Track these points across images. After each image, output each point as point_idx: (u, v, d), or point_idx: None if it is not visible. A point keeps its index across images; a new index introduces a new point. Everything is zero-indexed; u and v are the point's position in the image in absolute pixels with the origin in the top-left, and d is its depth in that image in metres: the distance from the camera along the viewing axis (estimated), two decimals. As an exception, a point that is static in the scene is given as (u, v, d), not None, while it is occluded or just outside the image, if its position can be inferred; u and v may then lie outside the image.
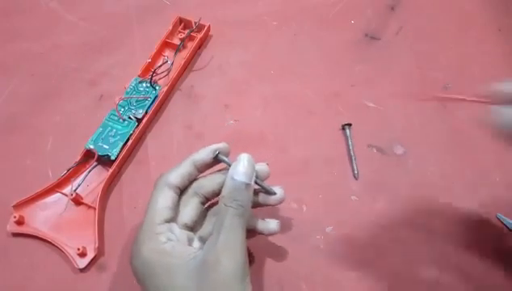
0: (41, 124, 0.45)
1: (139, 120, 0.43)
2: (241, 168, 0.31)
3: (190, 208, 0.33)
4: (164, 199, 0.31)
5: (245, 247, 0.30)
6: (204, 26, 0.48)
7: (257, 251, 0.38)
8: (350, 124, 0.43)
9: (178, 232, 0.31)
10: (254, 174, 0.32)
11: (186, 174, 0.33)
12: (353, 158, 0.42)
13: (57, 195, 0.40)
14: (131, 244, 0.38)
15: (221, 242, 0.28)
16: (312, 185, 0.41)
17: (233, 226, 0.29)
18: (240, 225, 0.29)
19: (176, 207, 0.32)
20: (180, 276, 0.28)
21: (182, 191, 0.33)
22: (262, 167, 0.33)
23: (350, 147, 0.42)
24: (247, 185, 0.31)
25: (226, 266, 0.28)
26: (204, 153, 0.33)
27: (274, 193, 0.34)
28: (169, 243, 0.30)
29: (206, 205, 0.35)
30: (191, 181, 0.34)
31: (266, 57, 0.49)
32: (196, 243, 0.33)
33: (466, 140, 0.43)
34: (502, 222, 0.38)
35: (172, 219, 0.32)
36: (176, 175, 0.32)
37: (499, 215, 0.39)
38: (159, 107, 0.45)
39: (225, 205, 0.30)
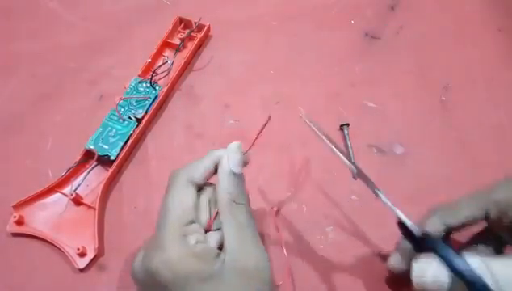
0: (41, 124, 0.45)
1: (139, 120, 0.43)
2: (235, 160, 0.29)
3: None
4: (189, 197, 0.29)
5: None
6: (204, 26, 0.48)
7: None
8: (347, 124, 0.43)
9: (203, 233, 0.29)
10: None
11: (209, 171, 0.30)
12: (352, 157, 0.42)
13: (57, 195, 0.40)
14: (131, 245, 0.38)
15: (247, 242, 0.27)
16: (312, 185, 0.41)
17: (250, 222, 0.28)
18: (248, 219, 0.28)
19: (197, 206, 0.30)
20: (222, 283, 0.26)
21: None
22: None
23: (349, 147, 0.42)
24: (240, 175, 0.29)
25: (263, 269, 0.27)
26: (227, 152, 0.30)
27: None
28: (199, 246, 0.27)
29: None
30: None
31: (266, 57, 0.49)
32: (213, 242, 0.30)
33: (466, 140, 0.43)
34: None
35: (194, 219, 0.29)
36: (201, 172, 0.30)
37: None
38: (159, 107, 0.45)
39: (236, 203, 0.28)
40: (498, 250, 0.31)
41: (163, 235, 0.27)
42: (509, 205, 0.28)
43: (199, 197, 0.30)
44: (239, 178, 0.29)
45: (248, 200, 0.29)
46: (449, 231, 0.31)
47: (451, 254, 0.24)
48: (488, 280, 0.23)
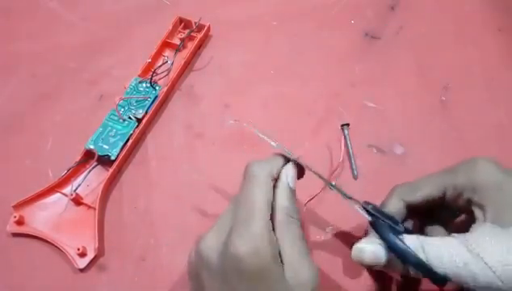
0: (41, 124, 0.45)
1: (139, 120, 0.43)
2: (292, 175, 0.30)
3: None
4: (270, 192, 0.28)
5: None
6: (204, 26, 0.48)
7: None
8: (347, 124, 0.43)
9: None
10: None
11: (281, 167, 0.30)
12: (352, 158, 0.42)
13: (57, 195, 0.40)
14: (131, 245, 0.39)
15: (302, 256, 0.27)
16: (312, 185, 0.41)
17: (303, 237, 0.28)
18: (302, 235, 0.28)
19: None
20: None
21: None
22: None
23: (349, 147, 0.42)
24: (294, 191, 0.30)
25: (314, 282, 0.27)
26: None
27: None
28: (277, 246, 0.27)
29: None
30: None
31: (266, 57, 0.49)
32: None
33: (466, 140, 0.43)
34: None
35: None
36: (278, 170, 0.29)
37: None
38: (159, 107, 0.45)
39: (291, 217, 0.28)
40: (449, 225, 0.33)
41: (255, 223, 0.26)
42: (464, 188, 0.30)
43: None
44: (293, 193, 0.29)
45: (300, 216, 0.29)
46: (409, 209, 0.32)
47: (389, 234, 0.28)
48: (420, 254, 0.26)
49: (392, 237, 0.27)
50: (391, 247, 0.27)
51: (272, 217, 0.27)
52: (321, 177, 0.31)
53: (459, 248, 0.26)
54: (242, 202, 0.28)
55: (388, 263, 0.28)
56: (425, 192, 0.32)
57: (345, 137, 0.43)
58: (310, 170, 0.31)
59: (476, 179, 0.29)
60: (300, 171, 0.31)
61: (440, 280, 0.26)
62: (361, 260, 0.29)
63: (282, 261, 0.27)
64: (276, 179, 0.29)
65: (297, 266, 0.27)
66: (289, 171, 0.30)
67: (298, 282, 0.26)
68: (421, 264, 0.26)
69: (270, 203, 0.28)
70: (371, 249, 0.28)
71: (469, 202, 0.29)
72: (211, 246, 0.27)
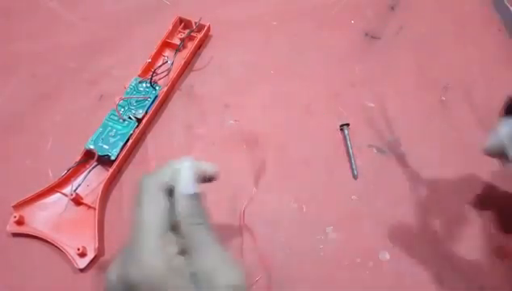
0: (41, 124, 0.45)
1: (139, 120, 0.43)
2: (186, 180, 0.27)
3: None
4: (162, 205, 0.27)
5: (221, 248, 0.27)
6: (204, 26, 0.48)
7: (256, 251, 0.38)
8: (347, 124, 0.43)
9: (176, 242, 0.27)
10: (199, 176, 0.28)
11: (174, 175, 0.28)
12: (351, 158, 0.42)
13: (57, 195, 0.40)
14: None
15: (215, 261, 0.26)
16: (312, 185, 0.41)
17: (214, 240, 0.27)
18: (212, 237, 0.27)
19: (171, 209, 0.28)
20: None
21: None
22: (208, 167, 0.30)
23: (349, 147, 0.42)
24: (199, 194, 0.28)
25: (237, 285, 0.25)
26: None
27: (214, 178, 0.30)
28: (176, 260, 0.26)
29: None
30: None
31: (266, 57, 0.49)
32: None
33: (466, 140, 0.43)
34: None
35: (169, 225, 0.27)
36: (171, 176, 0.28)
37: None
38: (159, 107, 0.45)
39: (194, 224, 0.27)
40: None
41: (141, 249, 0.25)
42: None
43: (171, 199, 0.28)
44: (194, 197, 0.27)
45: (207, 218, 0.28)
46: None
47: None
48: None
49: None
50: None
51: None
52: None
53: None
54: (132, 224, 0.27)
55: None
56: None
57: (345, 137, 0.43)
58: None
59: None
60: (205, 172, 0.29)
61: None
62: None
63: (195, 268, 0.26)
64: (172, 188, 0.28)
65: (211, 271, 0.26)
66: (182, 178, 0.27)
67: (214, 287, 0.25)
68: None
69: (164, 216, 0.26)
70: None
71: None
72: (115, 276, 0.27)
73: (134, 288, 0.25)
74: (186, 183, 0.27)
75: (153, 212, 0.26)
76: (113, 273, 0.27)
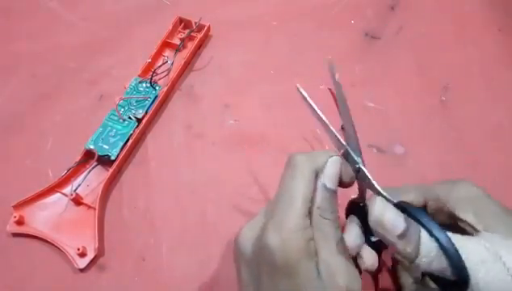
0: (41, 124, 0.45)
1: (139, 120, 0.43)
2: (331, 174, 0.28)
3: None
4: (312, 187, 0.27)
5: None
6: (204, 26, 0.48)
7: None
8: (349, 124, 0.43)
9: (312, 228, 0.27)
10: (341, 175, 0.29)
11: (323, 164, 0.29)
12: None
13: (57, 195, 0.40)
14: (131, 245, 0.39)
15: (335, 258, 0.26)
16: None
17: (339, 239, 0.27)
18: (337, 235, 0.27)
19: None
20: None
21: None
22: (349, 171, 0.30)
23: (350, 147, 0.42)
24: (336, 192, 0.28)
25: (353, 288, 0.26)
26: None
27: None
28: (311, 244, 0.26)
29: None
30: None
31: (266, 57, 0.49)
32: None
33: (466, 140, 0.43)
34: None
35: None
36: (321, 164, 0.28)
37: None
38: (159, 107, 0.45)
39: (324, 218, 0.27)
40: None
41: (288, 220, 0.26)
42: (444, 203, 0.29)
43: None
44: (332, 193, 0.28)
45: (336, 216, 0.28)
46: None
47: (432, 223, 0.25)
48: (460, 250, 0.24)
49: (436, 228, 0.24)
50: (432, 234, 0.24)
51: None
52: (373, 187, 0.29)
53: (478, 246, 0.24)
54: (281, 194, 0.27)
55: (403, 237, 0.25)
56: (407, 198, 0.31)
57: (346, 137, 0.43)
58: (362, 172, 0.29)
59: (456, 194, 0.29)
60: (349, 173, 0.29)
61: (462, 279, 0.23)
62: (381, 220, 0.26)
63: (318, 260, 0.26)
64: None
65: (332, 267, 0.26)
66: (328, 170, 0.28)
67: (332, 284, 0.25)
68: (455, 259, 0.23)
69: (310, 199, 0.27)
70: (393, 213, 0.26)
71: (451, 216, 0.28)
72: (248, 237, 0.27)
73: (266, 254, 0.25)
74: (330, 177, 0.28)
75: (304, 191, 0.27)
76: (248, 232, 0.27)
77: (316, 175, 0.28)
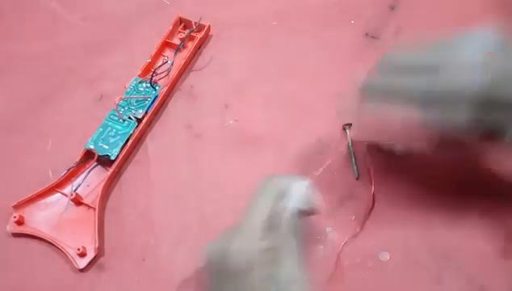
0: (41, 124, 0.45)
1: (139, 120, 0.43)
2: (298, 197, 0.31)
3: None
4: (275, 206, 0.30)
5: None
6: (204, 26, 0.48)
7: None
8: (350, 124, 0.43)
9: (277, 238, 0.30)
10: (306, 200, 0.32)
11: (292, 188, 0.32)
12: (353, 158, 0.42)
13: (57, 195, 0.40)
14: (131, 245, 0.39)
15: (287, 277, 0.29)
16: (311, 185, 0.41)
17: (296, 258, 0.30)
18: (297, 253, 0.30)
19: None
20: None
21: None
22: (316, 198, 0.33)
23: (350, 147, 0.42)
24: (303, 213, 0.31)
25: None
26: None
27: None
28: (270, 253, 0.29)
29: None
30: None
31: (266, 57, 0.49)
32: None
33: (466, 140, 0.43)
34: None
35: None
36: (289, 187, 0.32)
37: None
38: (159, 107, 0.45)
39: (284, 235, 0.30)
40: None
41: (246, 232, 0.29)
42: None
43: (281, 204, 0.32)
44: (297, 214, 0.30)
45: (300, 236, 0.31)
46: None
47: None
48: None
49: None
50: None
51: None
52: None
53: None
54: (247, 210, 0.30)
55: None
56: None
57: (347, 137, 0.43)
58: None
59: None
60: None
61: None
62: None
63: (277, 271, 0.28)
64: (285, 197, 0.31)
65: (288, 282, 0.28)
66: (295, 192, 0.31)
67: None
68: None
69: (272, 216, 0.30)
70: None
71: None
72: (214, 248, 0.30)
73: (226, 261, 0.29)
74: (296, 199, 0.31)
75: (266, 209, 0.30)
76: (215, 244, 0.31)
77: (284, 196, 0.31)
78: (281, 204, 0.30)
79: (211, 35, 0.50)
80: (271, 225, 0.29)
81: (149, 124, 0.44)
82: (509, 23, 0.49)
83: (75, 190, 0.40)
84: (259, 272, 0.28)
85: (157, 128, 0.45)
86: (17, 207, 0.39)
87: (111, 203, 0.41)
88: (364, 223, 0.39)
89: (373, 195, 0.39)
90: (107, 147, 0.41)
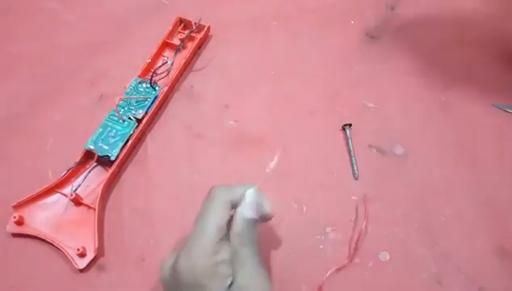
0: (41, 124, 0.45)
1: (139, 121, 0.43)
2: (248, 205, 0.31)
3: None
4: (226, 217, 0.30)
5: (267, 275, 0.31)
6: (204, 26, 0.48)
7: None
8: (350, 125, 0.43)
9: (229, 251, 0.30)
10: (257, 206, 0.32)
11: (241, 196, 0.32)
12: (353, 158, 0.42)
13: (57, 195, 0.40)
14: (131, 245, 0.39)
15: (251, 275, 0.29)
16: (312, 185, 0.41)
17: (254, 258, 0.30)
18: (254, 260, 0.30)
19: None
20: None
21: None
22: (267, 203, 0.33)
23: (350, 147, 0.42)
24: (255, 220, 0.31)
25: None
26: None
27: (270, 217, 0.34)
28: (221, 267, 0.29)
29: None
30: None
31: (266, 57, 0.49)
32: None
33: (466, 140, 0.43)
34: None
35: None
36: (238, 196, 0.32)
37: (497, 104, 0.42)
38: (159, 108, 0.45)
39: (243, 246, 0.30)
40: None
41: (196, 248, 0.29)
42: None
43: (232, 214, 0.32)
44: (250, 222, 0.31)
45: (255, 243, 0.31)
46: None
47: None
48: None
49: None
50: None
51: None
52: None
53: None
54: (196, 224, 0.30)
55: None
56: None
57: (347, 137, 0.43)
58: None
59: None
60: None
61: None
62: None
63: (233, 283, 0.29)
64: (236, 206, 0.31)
65: (244, 288, 0.29)
66: (245, 200, 0.31)
67: None
68: None
69: (223, 227, 0.30)
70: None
71: None
72: (167, 264, 0.31)
73: (179, 276, 0.29)
74: (247, 207, 0.31)
75: (215, 221, 0.30)
76: (168, 261, 0.31)
77: (234, 205, 0.31)
78: (230, 214, 0.30)
79: (211, 36, 0.50)
80: (222, 236, 0.29)
81: (149, 124, 0.44)
82: (508, 22, 0.49)
83: (75, 190, 0.40)
84: (216, 286, 0.28)
85: (157, 128, 0.45)
86: (17, 207, 0.39)
87: (111, 203, 0.41)
88: (364, 223, 0.39)
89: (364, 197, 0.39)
90: (106, 147, 0.41)
